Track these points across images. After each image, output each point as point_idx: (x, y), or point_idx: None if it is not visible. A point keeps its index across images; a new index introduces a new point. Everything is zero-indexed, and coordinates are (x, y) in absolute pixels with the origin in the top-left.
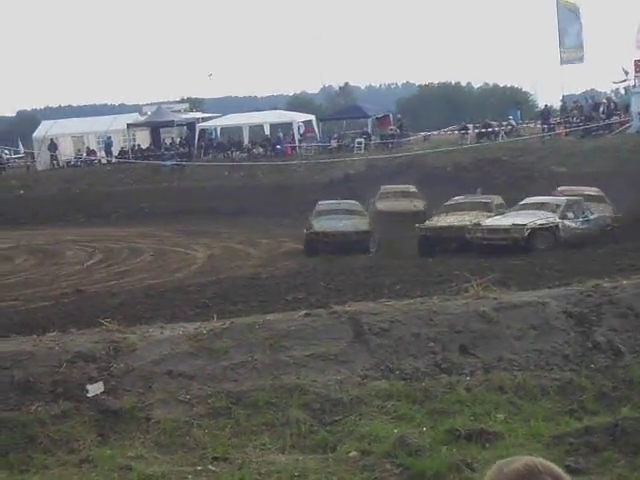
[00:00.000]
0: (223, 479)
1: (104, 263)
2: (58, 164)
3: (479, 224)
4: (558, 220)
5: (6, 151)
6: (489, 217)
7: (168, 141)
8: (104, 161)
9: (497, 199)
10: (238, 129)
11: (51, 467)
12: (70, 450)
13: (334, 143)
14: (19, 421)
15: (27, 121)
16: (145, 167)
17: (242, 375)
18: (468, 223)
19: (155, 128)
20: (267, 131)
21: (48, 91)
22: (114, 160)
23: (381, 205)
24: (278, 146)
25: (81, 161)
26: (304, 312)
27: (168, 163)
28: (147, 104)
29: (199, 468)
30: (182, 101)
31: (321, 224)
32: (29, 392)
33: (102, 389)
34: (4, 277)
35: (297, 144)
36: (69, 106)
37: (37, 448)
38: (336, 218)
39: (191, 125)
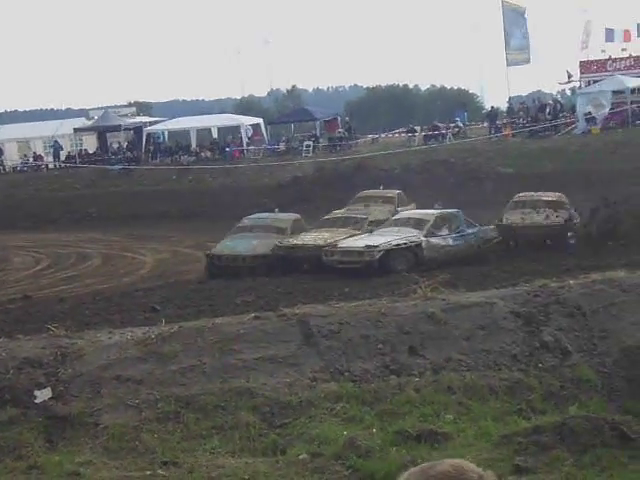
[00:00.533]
0: None
1: (52, 268)
2: (4, 169)
3: (335, 245)
4: (422, 238)
5: None
6: (353, 235)
7: (115, 145)
8: (51, 166)
9: (380, 213)
10: (186, 133)
11: None
12: (18, 456)
13: (282, 146)
14: None
15: None
16: (93, 171)
17: (191, 379)
18: (322, 242)
19: (102, 132)
20: (215, 134)
21: None
22: (62, 165)
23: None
24: (226, 149)
25: (27, 166)
26: (253, 315)
27: (116, 167)
28: (94, 108)
29: (148, 473)
30: (129, 105)
31: (224, 245)
32: None
33: (50, 395)
34: None
35: (245, 147)
36: (15, 111)
37: None
38: (248, 237)
39: (138, 129)
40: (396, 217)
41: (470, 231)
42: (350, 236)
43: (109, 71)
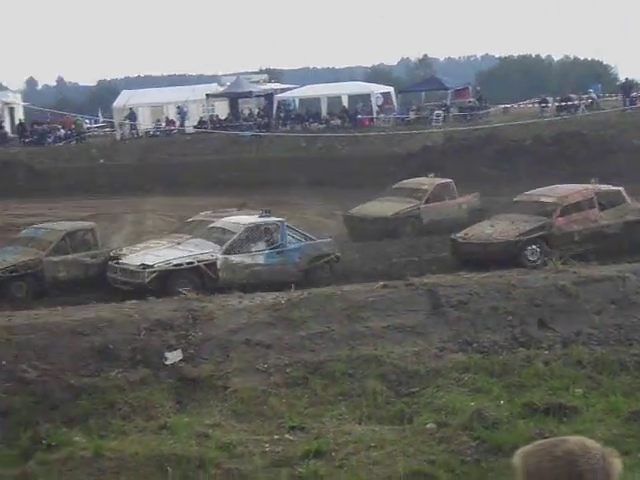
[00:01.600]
0: (300, 448)
1: None
2: (137, 134)
3: (118, 258)
4: (218, 256)
5: (87, 120)
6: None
7: (246, 112)
8: (185, 131)
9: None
10: (316, 100)
11: (130, 433)
12: (148, 417)
13: (412, 115)
14: (99, 387)
15: (107, 91)
16: (223, 137)
17: (319, 345)
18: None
19: (234, 99)
20: (345, 102)
21: (128, 61)
22: (192, 130)
23: None
24: (356, 117)
25: (160, 131)
26: (382, 283)
27: (246, 134)
28: (226, 75)
29: (276, 437)
30: (261, 72)
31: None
32: (108, 359)
33: (180, 357)
34: None
35: (375, 116)
36: (149, 76)
37: (116, 414)
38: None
39: (269, 96)
40: (211, 225)
41: (292, 247)
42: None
43: (241, 38)
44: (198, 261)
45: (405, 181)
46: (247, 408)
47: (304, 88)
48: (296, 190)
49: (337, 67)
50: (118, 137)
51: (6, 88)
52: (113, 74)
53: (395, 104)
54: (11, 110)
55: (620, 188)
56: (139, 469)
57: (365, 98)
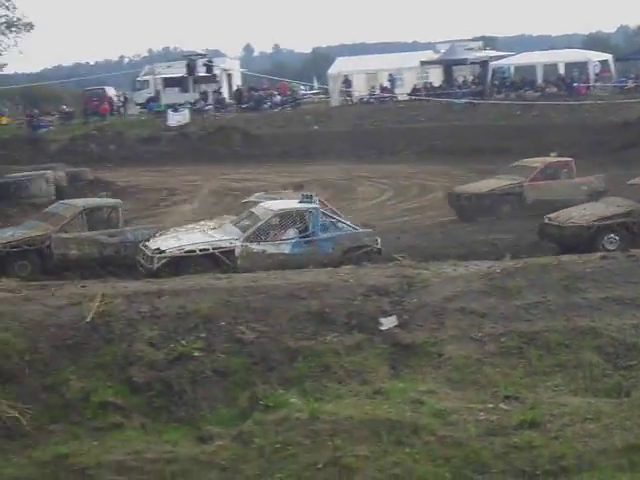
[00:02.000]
0: (514, 418)
1: (394, 199)
2: (352, 101)
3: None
4: (237, 244)
5: (302, 87)
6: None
7: (460, 79)
8: (398, 98)
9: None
10: (531, 68)
11: (344, 397)
12: (363, 381)
13: (630, 83)
14: (315, 350)
15: (322, 58)
16: (437, 105)
17: (535, 315)
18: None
19: (448, 66)
20: (561, 70)
21: (343, 29)
22: (406, 97)
23: None
24: (573, 85)
25: (374, 98)
26: (600, 254)
27: (460, 101)
28: (440, 42)
29: (490, 406)
30: (475, 39)
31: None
32: (324, 323)
33: (395, 323)
34: None
35: (592, 84)
36: (362, 44)
37: (331, 377)
38: None
39: (484, 63)
40: (250, 209)
41: (325, 236)
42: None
43: (457, 5)
44: (214, 248)
45: (525, 160)
46: (461, 376)
47: (519, 55)
48: (510, 158)
49: (553, 34)
50: (332, 104)
51: (224, 55)
52: (328, 41)
53: (613, 72)
54: (229, 76)
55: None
56: (353, 432)
57: (582, 66)
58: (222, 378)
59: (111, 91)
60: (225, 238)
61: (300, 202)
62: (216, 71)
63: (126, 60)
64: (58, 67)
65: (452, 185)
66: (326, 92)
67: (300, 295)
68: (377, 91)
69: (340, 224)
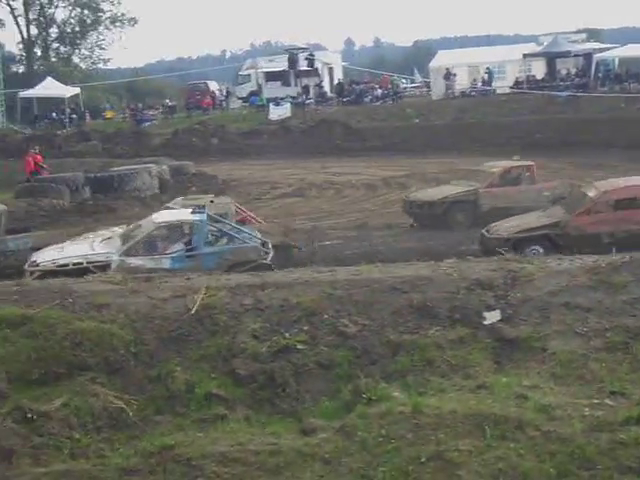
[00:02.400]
0: (620, 414)
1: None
2: (453, 93)
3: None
4: (113, 258)
5: (403, 80)
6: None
7: (564, 72)
8: (499, 91)
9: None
10: (636, 60)
11: (447, 391)
12: (466, 375)
13: None
14: (417, 344)
15: (423, 51)
16: (539, 98)
17: None
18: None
19: (551, 58)
20: None
21: (444, 22)
22: (508, 90)
23: None
24: None
25: (475, 91)
26: None
27: (563, 94)
28: (543, 34)
29: (595, 401)
30: (579, 31)
31: None
32: (427, 316)
33: (499, 317)
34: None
35: None
36: (464, 36)
37: (434, 371)
38: None
39: (588, 56)
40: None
41: (209, 250)
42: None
43: None
44: (88, 262)
45: (488, 163)
46: (566, 371)
47: (624, 47)
48: (612, 152)
49: None
50: (434, 97)
51: (325, 49)
52: (429, 34)
53: None
54: (330, 70)
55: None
56: (457, 427)
57: None
58: (325, 371)
59: (213, 85)
60: (103, 252)
61: (193, 212)
62: (317, 65)
63: (228, 54)
64: (161, 61)
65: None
66: (427, 85)
67: (402, 288)
68: (479, 84)
69: (234, 237)
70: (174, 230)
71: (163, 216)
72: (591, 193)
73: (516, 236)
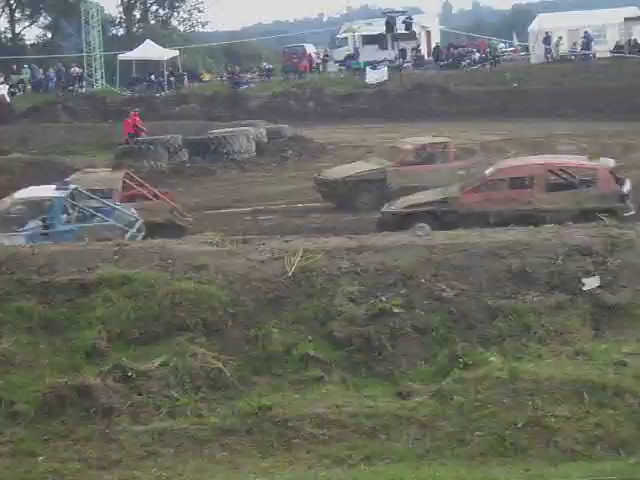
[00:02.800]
0: None
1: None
2: (552, 57)
3: None
4: None
5: (501, 44)
6: None
7: None
8: (599, 55)
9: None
10: None
11: (545, 357)
12: (564, 341)
13: None
14: (515, 309)
15: (522, 15)
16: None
17: None
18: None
19: None
20: None
21: None
22: (608, 55)
23: None
24: None
25: (575, 55)
26: None
27: None
28: None
29: None
30: None
31: None
32: (525, 282)
33: (598, 283)
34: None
35: None
36: (563, 0)
37: (532, 337)
38: None
39: None
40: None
41: (65, 228)
42: None
43: None
44: None
45: (403, 139)
46: None
47: None
48: None
49: None
50: (532, 61)
51: (423, 12)
52: None
53: None
54: (428, 34)
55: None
56: (554, 393)
57: None
58: (421, 335)
59: (310, 48)
60: None
61: (57, 189)
62: (415, 28)
63: (325, 18)
64: (258, 25)
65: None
66: (526, 49)
67: (501, 254)
68: (578, 48)
69: (95, 215)
70: (32, 207)
71: (23, 192)
72: (487, 171)
73: (402, 211)
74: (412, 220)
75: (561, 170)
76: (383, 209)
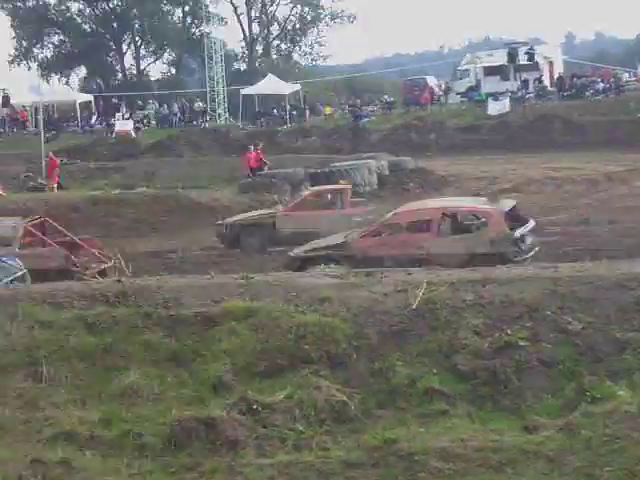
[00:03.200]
0: None
1: None
2: None
3: None
4: None
5: (625, 74)
6: None
7: None
8: None
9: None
10: None
11: None
12: None
13: None
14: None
15: None
16: None
17: None
18: None
19: None
20: None
21: None
22: None
23: None
24: None
25: None
26: None
27: None
28: None
29: None
30: None
31: None
32: None
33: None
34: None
35: None
36: None
37: None
38: None
39: None
40: None
41: None
42: None
43: None
44: None
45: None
46: None
47: None
48: None
49: None
50: None
51: (545, 42)
52: None
53: None
54: (550, 64)
55: None
56: None
57: None
58: (547, 368)
59: (432, 80)
60: None
61: None
62: (537, 59)
63: (446, 50)
64: (379, 58)
65: None
66: None
67: (629, 285)
68: None
69: None
70: None
71: None
72: (386, 215)
73: (302, 255)
74: (312, 263)
75: (456, 214)
76: (290, 252)
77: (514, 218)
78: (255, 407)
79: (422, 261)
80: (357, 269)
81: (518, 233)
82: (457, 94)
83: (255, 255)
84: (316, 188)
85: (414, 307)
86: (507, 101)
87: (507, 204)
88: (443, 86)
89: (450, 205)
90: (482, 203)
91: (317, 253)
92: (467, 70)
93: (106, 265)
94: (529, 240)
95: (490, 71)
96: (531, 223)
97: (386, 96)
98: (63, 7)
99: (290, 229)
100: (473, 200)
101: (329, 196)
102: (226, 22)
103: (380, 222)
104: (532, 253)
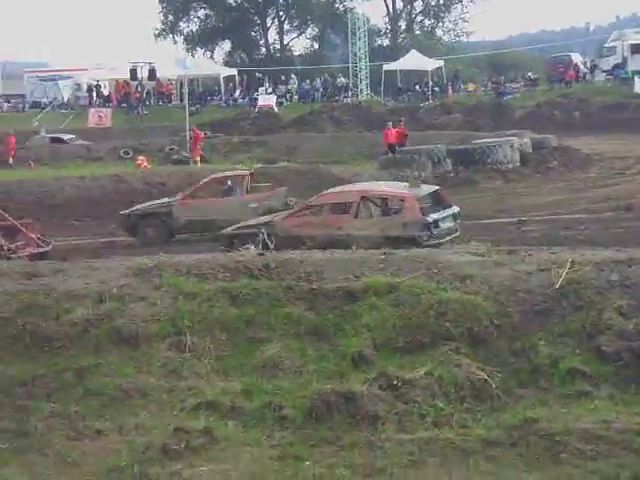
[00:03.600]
0: None
1: None
2: None
3: None
4: None
5: None
6: None
7: None
8: None
9: None
10: None
11: None
12: None
13: None
14: None
15: None
16: None
17: None
18: None
19: None
20: None
21: None
22: None
23: None
24: None
25: None
26: None
27: None
28: None
29: None
30: None
31: None
32: None
33: None
34: None
35: None
36: None
37: None
38: None
39: None
40: None
41: None
42: None
43: None
44: None
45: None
46: None
47: None
48: None
49: None
50: None
51: None
52: None
53: None
54: None
55: None
56: None
57: None
58: None
59: (577, 58)
60: None
61: None
62: None
63: (592, 27)
64: (523, 34)
65: None
66: None
67: None
68: None
69: None
70: None
71: None
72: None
73: (230, 232)
74: (240, 240)
75: (375, 198)
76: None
77: (437, 202)
78: (395, 383)
79: (340, 242)
80: (278, 247)
81: (430, 218)
82: (603, 72)
83: (155, 245)
84: (214, 175)
85: (557, 286)
86: None
87: (426, 189)
88: (589, 64)
89: (369, 189)
90: (400, 188)
91: (243, 231)
92: (614, 47)
93: (44, 249)
94: (446, 225)
95: (637, 49)
96: (453, 209)
97: (530, 73)
98: None
99: (187, 217)
100: (394, 185)
101: (229, 182)
102: None
103: (305, 203)
104: (448, 238)
